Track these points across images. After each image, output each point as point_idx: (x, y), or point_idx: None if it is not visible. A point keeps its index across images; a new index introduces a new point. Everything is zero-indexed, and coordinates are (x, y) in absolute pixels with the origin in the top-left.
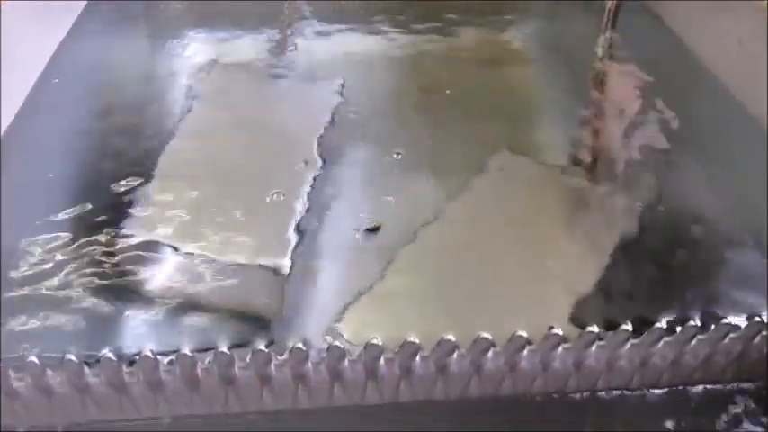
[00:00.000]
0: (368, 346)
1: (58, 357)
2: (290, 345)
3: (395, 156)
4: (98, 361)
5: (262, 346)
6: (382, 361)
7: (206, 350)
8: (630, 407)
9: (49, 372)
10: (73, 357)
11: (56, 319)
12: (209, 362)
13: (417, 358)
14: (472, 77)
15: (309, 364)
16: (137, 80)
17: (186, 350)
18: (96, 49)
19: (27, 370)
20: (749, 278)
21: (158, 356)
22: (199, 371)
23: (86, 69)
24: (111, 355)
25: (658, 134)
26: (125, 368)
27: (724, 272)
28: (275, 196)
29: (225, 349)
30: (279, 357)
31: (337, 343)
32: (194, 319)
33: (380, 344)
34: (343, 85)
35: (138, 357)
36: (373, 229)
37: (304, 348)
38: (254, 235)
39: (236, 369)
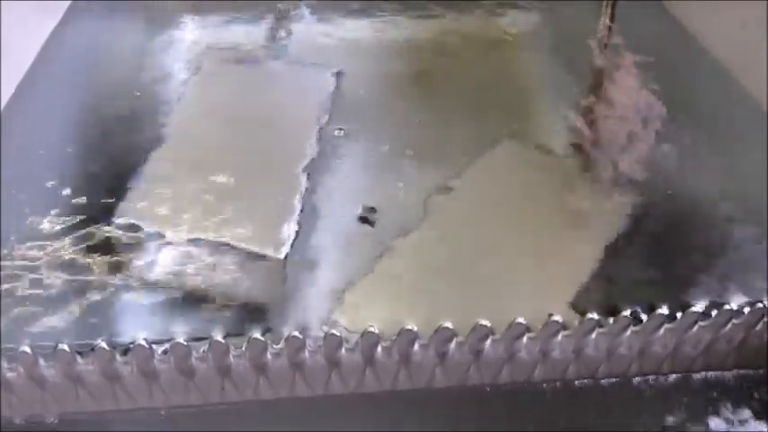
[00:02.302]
0: (365, 333)
1: (50, 347)
2: (287, 333)
3: (394, 143)
4: (92, 350)
5: (258, 335)
6: (380, 349)
7: (201, 339)
8: (631, 394)
9: (42, 362)
10: (66, 347)
11: (47, 308)
12: (204, 351)
13: (415, 346)
14: (471, 64)
15: (306, 352)
16: (130, 68)
17: (181, 339)
18: (90, 36)
19: (20, 360)
20: (751, 263)
21: (153, 345)
22: (194, 360)
23: (79, 57)
24: (104, 344)
25: (660, 119)
26: (119, 358)
27: (727, 258)
28: (273, 181)
29: (220, 338)
30: (275, 346)
31: (334, 331)
32: (190, 308)
33: (378, 332)
34: (339, 72)
35: (131, 347)
36: (368, 216)
37: (300, 337)
38: (252, 221)
39: (232, 358)
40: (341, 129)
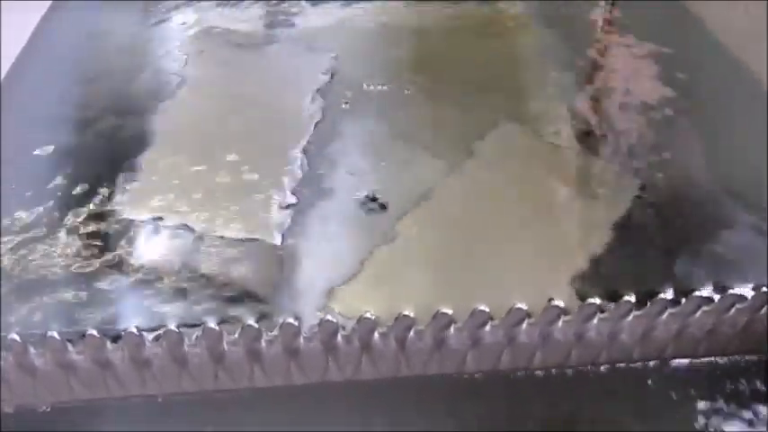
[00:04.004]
0: (361, 320)
1: (40, 335)
2: (281, 319)
3: (392, 127)
4: (82, 338)
5: (251, 321)
6: (377, 335)
7: (193, 326)
8: (633, 380)
9: (32, 350)
10: (55, 335)
11: (41, 294)
12: (196, 338)
13: (412, 332)
14: (470, 48)
15: (302, 339)
16: (126, 50)
17: (173, 326)
18: (85, 19)
19: (9, 348)
20: (753, 248)
21: (144, 333)
22: (186, 347)
23: (72, 43)
24: (94, 331)
25: (661, 103)
26: (109, 345)
27: (727, 242)
28: (270, 165)
29: (213, 325)
30: (269, 333)
31: (330, 317)
32: (185, 294)
33: (374, 318)
34: (337, 56)
35: (122, 334)
36: (374, 200)
37: (296, 323)
38: (249, 206)
39: (226, 345)
40: (340, 110)
